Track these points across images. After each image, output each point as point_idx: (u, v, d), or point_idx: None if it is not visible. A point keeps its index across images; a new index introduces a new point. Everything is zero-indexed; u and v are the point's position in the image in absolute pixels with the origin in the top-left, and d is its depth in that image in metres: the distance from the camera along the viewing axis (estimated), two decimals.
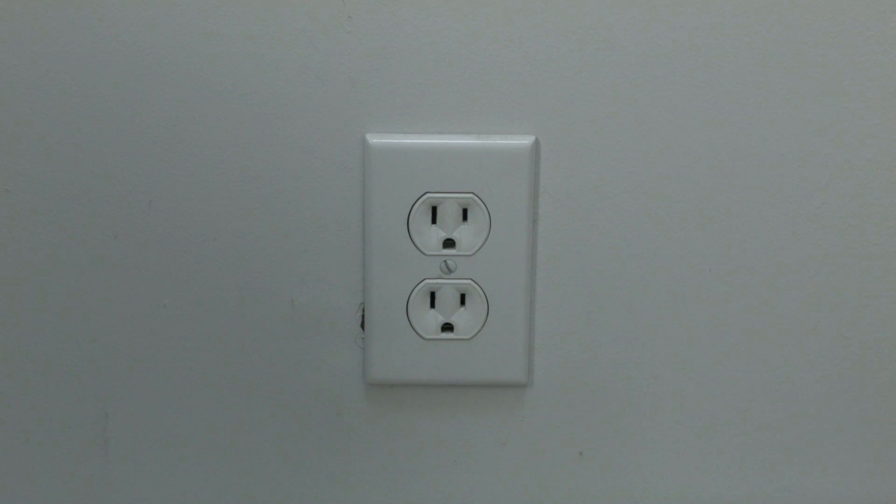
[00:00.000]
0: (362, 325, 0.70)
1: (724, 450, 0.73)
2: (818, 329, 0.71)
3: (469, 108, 0.67)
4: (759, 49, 0.66)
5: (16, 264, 0.69)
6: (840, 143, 0.67)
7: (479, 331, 0.69)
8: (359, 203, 0.68)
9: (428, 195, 0.67)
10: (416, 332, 0.70)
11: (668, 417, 0.72)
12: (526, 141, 0.67)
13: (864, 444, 0.73)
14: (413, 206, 0.67)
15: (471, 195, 0.67)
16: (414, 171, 0.67)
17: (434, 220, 0.68)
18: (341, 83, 0.67)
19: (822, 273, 0.70)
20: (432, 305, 0.70)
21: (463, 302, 0.69)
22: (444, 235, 0.68)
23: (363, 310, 0.70)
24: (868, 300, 0.70)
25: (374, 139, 0.67)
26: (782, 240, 0.69)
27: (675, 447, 0.73)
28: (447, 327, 0.70)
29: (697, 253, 0.69)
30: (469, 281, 0.69)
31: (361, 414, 0.72)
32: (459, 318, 0.70)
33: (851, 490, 0.74)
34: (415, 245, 0.68)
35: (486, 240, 0.68)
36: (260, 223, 0.69)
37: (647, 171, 0.68)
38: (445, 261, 0.68)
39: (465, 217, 0.68)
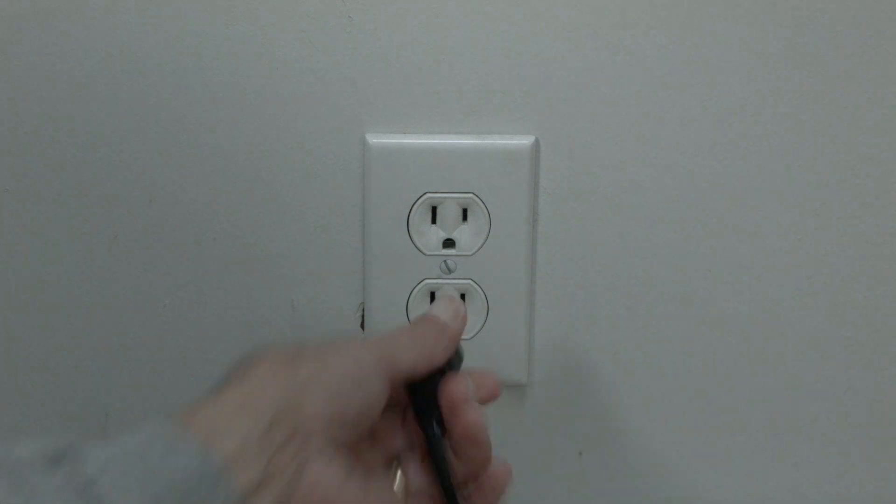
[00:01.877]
0: (362, 325, 0.70)
1: (724, 450, 0.73)
2: (818, 329, 0.71)
3: (469, 108, 0.67)
4: (759, 49, 0.66)
5: (16, 264, 0.70)
6: (840, 143, 0.67)
7: (479, 331, 0.69)
8: (359, 203, 0.68)
9: (428, 195, 0.67)
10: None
11: (668, 417, 0.72)
12: (526, 141, 0.67)
13: (864, 444, 0.73)
14: (413, 206, 0.67)
15: (471, 195, 0.67)
16: (414, 171, 0.67)
17: (434, 221, 0.68)
18: (341, 83, 0.67)
19: (822, 273, 0.70)
20: None
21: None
22: (444, 235, 0.68)
23: (363, 310, 0.70)
24: (868, 300, 0.70)
25: (374, 139, 0.67)
26: (782, 240, 0.69)
27: (675, 447, 0.73)
28: None
29: (697, 253, 0.69)
30: (469, 281, 0.69)
31: None
32: None
33: (851, 490, 0.74)
34: (415, 245, 0.68)
35: (486, 240, 0.68)
36: (260, 223, 0.69)
37: (647, 171, 0.68)
38: (445, 261, 0.68)
39: (465, 217, 0.68)
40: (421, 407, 0.58)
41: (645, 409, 0.72)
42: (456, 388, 0.57)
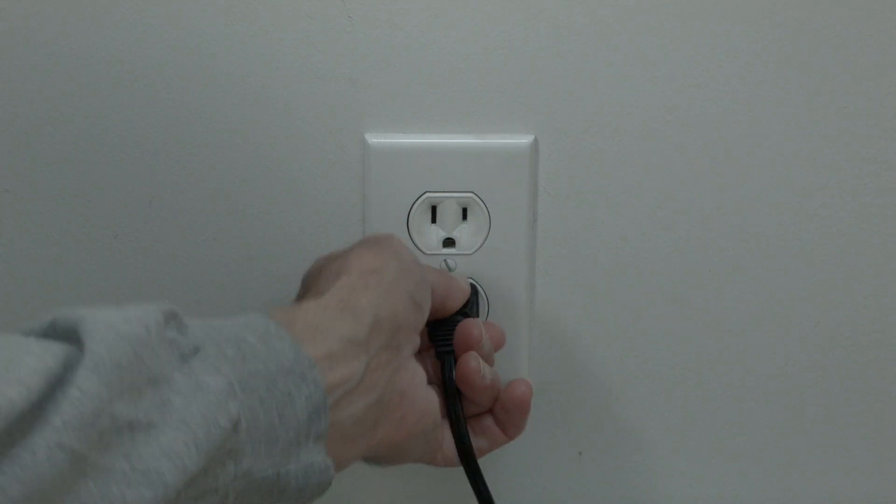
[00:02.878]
0: None
1: (724, 450, 0.73)
2: (818, 329, 0.71)
3: (469, 107, 0.67)
4: (759, 49, 0.66)
5: (16, 264, 0.69)
6: (840, 143, 0.67)
7: None
8: (359, 203, 0.68)
9: (428, 195, 0.67)
10: None
11: (668, 417, 0.72)
12: (525, 140, 0.67)
13: (864, 444, 0.73)
14: (413, 205, 0.67)
15: (470, 194, 0.67)
16: (414, 170, 0.67)
17: (434, 220, 0.68)
18: (341, 83, 0.67)
19: (822, 273, 0.70)
20: None
21: None
22: (443, 235, 0.68)
23: None
24: (868, 300, 0.70)
25: (374, 139, 0.67)
26: (782, 240, 0.69)
27: (675, 447, 0.73)
28: None
29: (697, 253, 0.69)
30: (469, 280, 0.68)
31: None
32: None
33: (851, 490, 0.73)
34: (415, 245, 0.68)
35: (486, 239, 0.68)
36: (260, 223, 0.69)
37: (647, 171, 0.68)
38: (445, 260, 0.68)
39: (464, 216, 0.68)
40: (440, 343, 0.63)
41: (645, 409, 0.72)
42: (467, 331, 0.62)
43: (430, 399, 0.59)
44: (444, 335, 0.63)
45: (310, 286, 0.59)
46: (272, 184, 0.68)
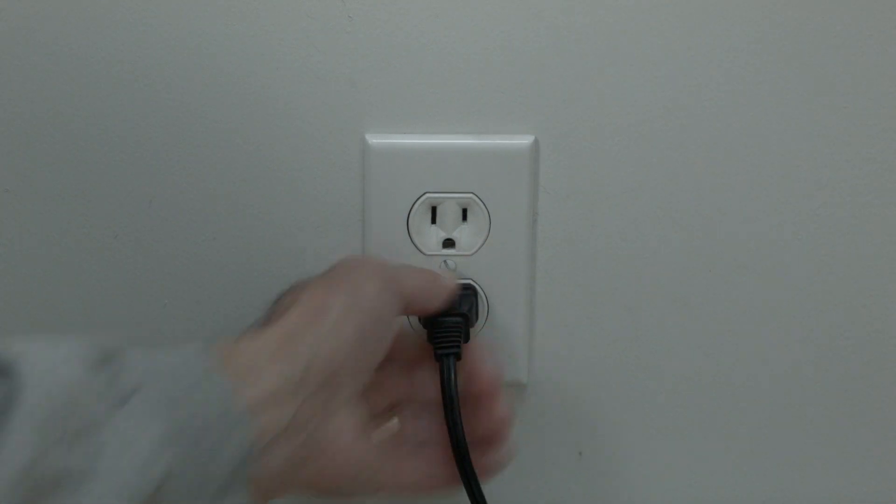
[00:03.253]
0: None
1: (724, 450, 0.73)
2: (818, 329, 0.71)
3: (469, 108, 0.67)
4: (758, 49, 0.66)
5: (16, 264, 0.70)
6: (840, 143, 0.67)
7: (479, 330, 0.69)
8: (359, 203, 0.68)
9: (428, 195, 0.67)
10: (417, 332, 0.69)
11: (668, 418, 0.72)
12: (525, 140, 0.67)
13: (864, 444, 0.73)
14: (413, 206, 0.67)
15: (470, 195, 0.67)
16: (414, 171, 0.67)
17: (434, 220, 0.68)
18: (341, 83, 0.67)
19: (822, 273, 0.70)
20: None
21: None
22: (443, 235, 0.68)
23: None
24: (868, 300, 0.70)
25: (374, 139, 0.67)
26: (782, 240, 0.69)
27: (675, 447, 0.73)
28: None
29: (697, 253, 0.69)
30: (469, 281, 0.68)
31: None
32: None
33: (851, 490, 0.74)
34: (415, 245, 0.68)
35: (486, 240, 0.68)
36: (260, 223, 0.69)
37: (647, 171, 0.68)
38: (445, 261, 0.68)
39: (464, 217, 0.68)
40: (438, 345, 0.62)
41: (645, 410, 0.72)
42: (485, 373, 0.62)
43: (350, 458, 0.56)
44: (442, 337, 0.63)
45: (273, 311, 0.58)
46: (272, 184, 0.68)
